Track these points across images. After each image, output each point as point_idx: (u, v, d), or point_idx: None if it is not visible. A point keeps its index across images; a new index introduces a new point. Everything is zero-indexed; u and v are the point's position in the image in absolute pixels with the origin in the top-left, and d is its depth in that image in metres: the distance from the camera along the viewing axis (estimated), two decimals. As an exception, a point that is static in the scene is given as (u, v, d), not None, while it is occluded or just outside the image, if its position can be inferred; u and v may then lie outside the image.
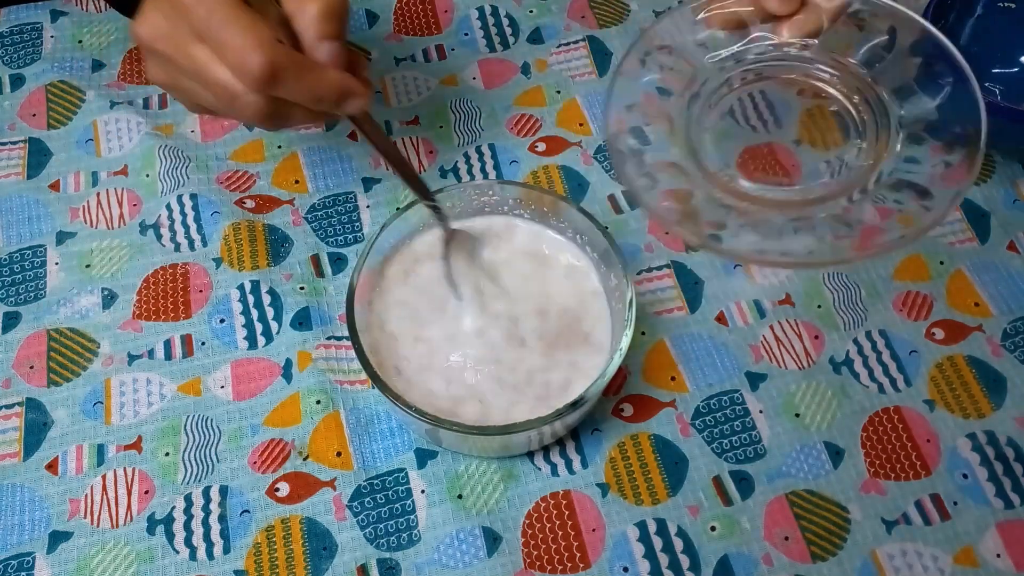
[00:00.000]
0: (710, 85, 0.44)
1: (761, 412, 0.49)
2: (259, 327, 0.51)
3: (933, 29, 0.41)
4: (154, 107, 0.59)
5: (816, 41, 0.44)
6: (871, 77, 0.43)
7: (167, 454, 0.47)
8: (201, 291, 0.52)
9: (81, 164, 0.57)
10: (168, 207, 0.55)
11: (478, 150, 0.58)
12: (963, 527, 0.46)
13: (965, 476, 0.47)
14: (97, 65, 0.61)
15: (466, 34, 0.63)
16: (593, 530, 0.46)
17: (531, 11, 0.64)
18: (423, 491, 0.47)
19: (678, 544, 0.46)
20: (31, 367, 0.50)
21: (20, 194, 0.55)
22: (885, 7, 0.43)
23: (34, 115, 0.59)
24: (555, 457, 0.48)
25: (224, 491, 0.47)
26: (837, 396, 0.49)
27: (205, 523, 0.46)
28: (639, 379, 0.49)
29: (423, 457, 0.47)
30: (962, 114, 0.39)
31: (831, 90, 0.43)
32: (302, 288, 0.52)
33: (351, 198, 0.56)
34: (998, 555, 0.45)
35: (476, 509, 0.46)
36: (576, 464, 0.47)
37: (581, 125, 0.59)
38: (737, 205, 0.40)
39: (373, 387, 0.48)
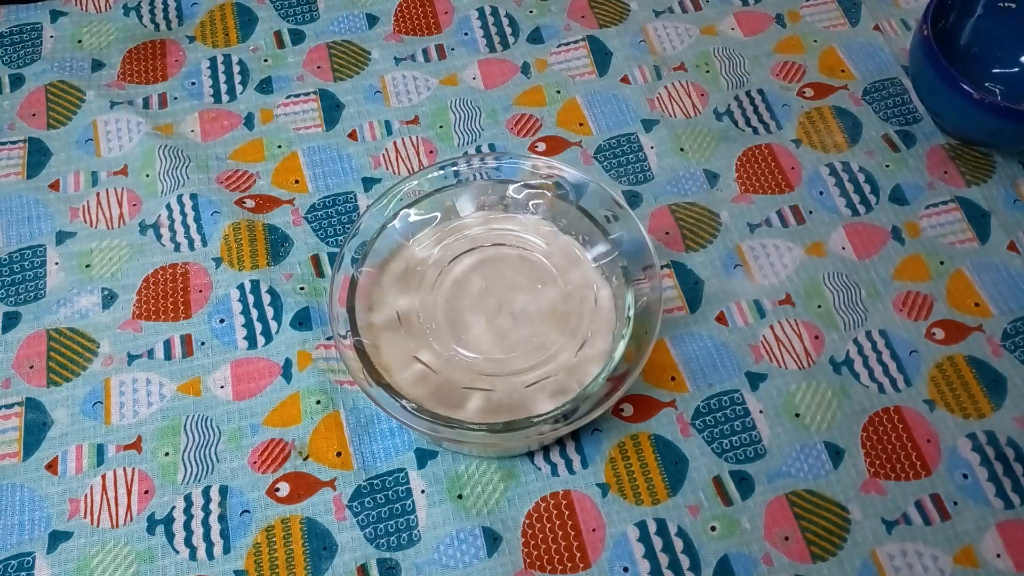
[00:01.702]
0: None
1: (761, 412, 0.49)
2: (259, 327, 0.51)
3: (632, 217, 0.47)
4: (154, 107, 0.59)
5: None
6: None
7: (167, 454, 0.47)
8: (201, 291, 0.52)
9: (81, 164, 0.57)
10: (168, 207, 0.55)
11: (478, 150, 0.58)
12: (963, 527, 0.46)
13: (965, 476, 0.47)
14: (97, 65, 0.61)
15: (466, 34, 0.63)
16: (593, 530, 0.46)
17: (531, 11, 0.64)
18: (423, 491, 0.47)
19: (678, 544, 0.46)
20: (31, 367, 0.50)
21: (20, 194, 0.55)
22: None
23: (34, 115, 0.59)
24: (555, 457, 0.48)
25: (224, 491, 0.47)
26: (837, 396, 0.49)
27: (205, 523, 0.46)
28: (639, 379, 0.49)
29: (423, 457, 0.47)
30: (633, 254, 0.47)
31: (535, 240, 0.49)
32: (302, 288, 0.52)
33: (351, 198, 0.56)
34: (998, 555, 0.45)
35: (476, 509, 0.46)
36: (576, 464, 0.47)
37: (581, 125, 0.59)
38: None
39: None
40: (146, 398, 0.49)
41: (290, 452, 0.47)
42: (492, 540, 0.45)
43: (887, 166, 0.58)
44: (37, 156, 0.57)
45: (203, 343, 0.51)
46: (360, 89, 0.60)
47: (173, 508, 0.46)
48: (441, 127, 0.59)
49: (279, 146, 0.58)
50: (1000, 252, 0.54)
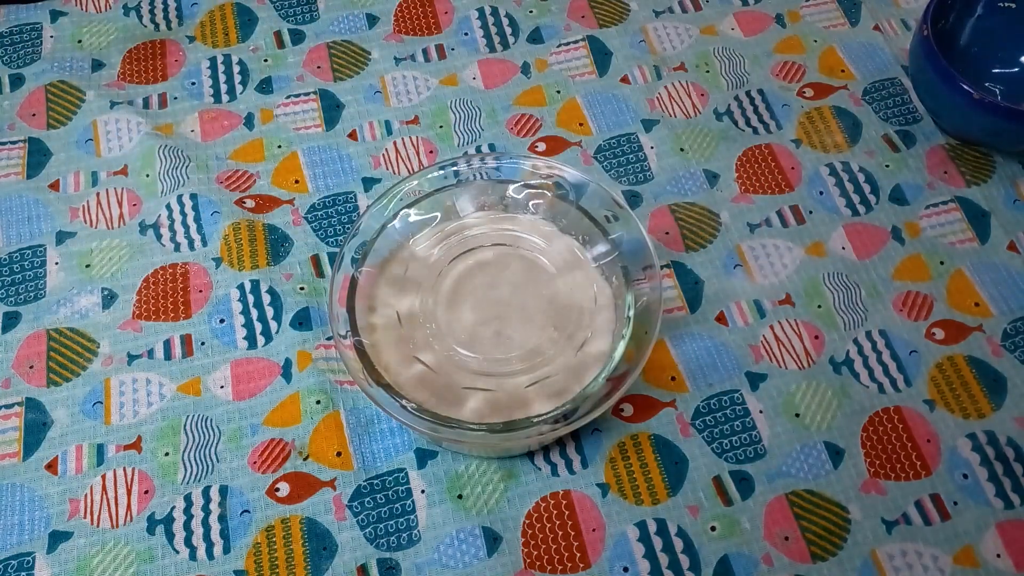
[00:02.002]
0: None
1: (761, 412, 0.49)
2: (259, 327, 0.51)
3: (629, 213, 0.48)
4: (154, 107, 0.59)
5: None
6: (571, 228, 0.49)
7: (167, 454, 0.47)
8: (201, 291, 0.52)
9: (81, 164, 0.57)
10: (168, 207, 0.55)
11: (478, 150, 0.58)
12: (963, 527, 0.46)
13: (965, 476, 0.47)
14: (97, 65, 0.61)
15: (466, 34, 0.63)
16: (593, 530, 0.46)
17: (531, 11, 0.64)
18: (423, 491, 0.47)
19: (678, 544, 0.46)
20: (31, 367, 0.50)
21: (20, 194, 0.55)
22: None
23: (34, 115, 0.59)
24: (555, 457, 0.48)
25: (224, 491, 0.47)
26: (837, 396, 0.49)
27: (205, 523, 0.46)
28: (639, 379, 0.49)
29: (423, 457, 0.47)
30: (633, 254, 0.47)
31: (536, 240, 0.49)
32: (302, 288, 0.52)
33: (351, 198, 0.56)
34: (998, 555, 0.45)
35: (476, 509, 0.46)
36: (576, 464, 0.47)
37: (581, 125, 0.59)
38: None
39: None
40: (146, 398, 0.49)
41: (290, 452, 0.47)
42: (492, 540, 0.45)
43: (887, 166, 0.58)
44: (37, 156, 0.57)
45: (203, 343, 0.51)
46: (360, 89, 0.60)
47: (173, 508, 0.46)
48: (441, 127, 0.59)
49: (279, 146, 0.58)
50: (1000, 252, 0.54)
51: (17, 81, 0.60)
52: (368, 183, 0.56)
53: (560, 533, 0.46)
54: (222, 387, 0.49)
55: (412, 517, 0.46)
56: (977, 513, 0.46)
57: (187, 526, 0.46)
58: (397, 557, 0.45)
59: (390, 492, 0.47)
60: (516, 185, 0.50)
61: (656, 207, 0.56)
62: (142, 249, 0.54)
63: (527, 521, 0.46)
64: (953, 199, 0.56)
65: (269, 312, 0.51)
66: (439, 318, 0.46)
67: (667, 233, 0.55)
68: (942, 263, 0.54)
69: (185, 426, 0.48)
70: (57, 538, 0.45)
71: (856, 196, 0.56)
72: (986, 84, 0.59)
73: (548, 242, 0.49)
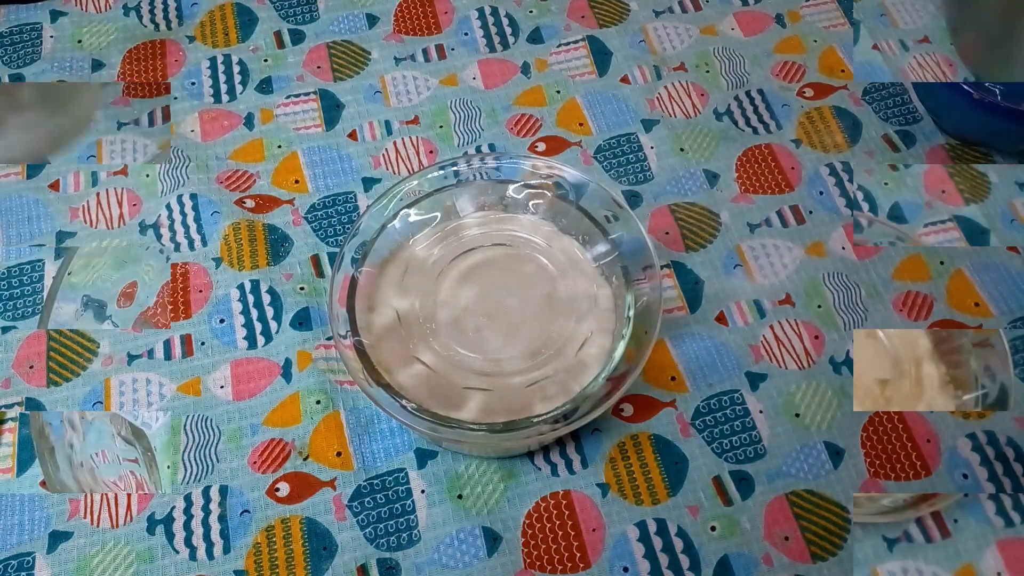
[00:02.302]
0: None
1: (761, 412, 0.49)
2: (259, 327, 0.51)
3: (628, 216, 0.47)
4: (154, 107, 0.59)
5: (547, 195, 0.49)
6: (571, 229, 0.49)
7: (167, 454, 0.47)
8: (201, 291, 0.52)
9: (81, 164, 0.57)
10: (168, 207, 0.55)
11: (478, 150, 0.58)
12: (963, 532, 0.46)
13: (965, 476, 0.47)
14: (97, 65, 0.61)
15: (466, 34, 0.63)
16: (593, 530, 0.46)
17: (531, 11, 0.64)
18: (423, 491, 0.47)
19: (678, 544, 0.46)
20: (31, 367, 0.50)
21: (20, 194, 0.55)
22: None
23: (34, 115, 0.59)
24: (555, 457, 0.48)
25: (224, 491, 0.47)
26: (837, 396, 0.49)
27: (205, 523, 0.46)
28: (639, 379, 0.49)
29: (423, 457, 0.47)
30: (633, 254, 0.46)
31: (536, 239, 0.49)
32: (302, 288, 0.52)
33: (351, 198, 0.56)
34: (998, 565, 0.45)
35: (476, 509, 0.46)
36: (576, 464, 0.47)
37: (581, 125, 0.59)
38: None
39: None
40: (146, 398, 0.49)
41: (290, 452, 0.47)
42: (492, 540, 0.45)
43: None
44: (37, 156, 0.57)
45: (203, 343, 0.51)
46: (360, 89, 0.60)
47: (173, 508, 0.46)
48: (441, 127, 0.59)
49: (279, 146, 0.58)
50: (1000, 252, 0.54)
51: (17, 81, 0.60)
52: (368, 183, 0.56)
53: (560, 533, 0.46)
54: (222, 387, 0.49)
55: (412, 517, 0.46)
56: (977, 510, 0.46)
57: (187, 526, 0.46)
58: (397, 557, 0.45)
59: (390, 492, 0.47)
60: (516, 185, 0.50)
61: (656, 207, 0.56)
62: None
63: (527, 521, 0.46)
64: (951, 219, 0.56)
65: (269, 312, 0.51)
66: (439, 318, 0.46)
67: (667, 233, 0.55)
68: (942, 263, 0.54)
69: (185, 426, 0.48)
70: (57, 538, 0.45)
71: (856, 196, 0.56)
72: (986, 84, 0.59)
73: (548, 242, 0.49)
